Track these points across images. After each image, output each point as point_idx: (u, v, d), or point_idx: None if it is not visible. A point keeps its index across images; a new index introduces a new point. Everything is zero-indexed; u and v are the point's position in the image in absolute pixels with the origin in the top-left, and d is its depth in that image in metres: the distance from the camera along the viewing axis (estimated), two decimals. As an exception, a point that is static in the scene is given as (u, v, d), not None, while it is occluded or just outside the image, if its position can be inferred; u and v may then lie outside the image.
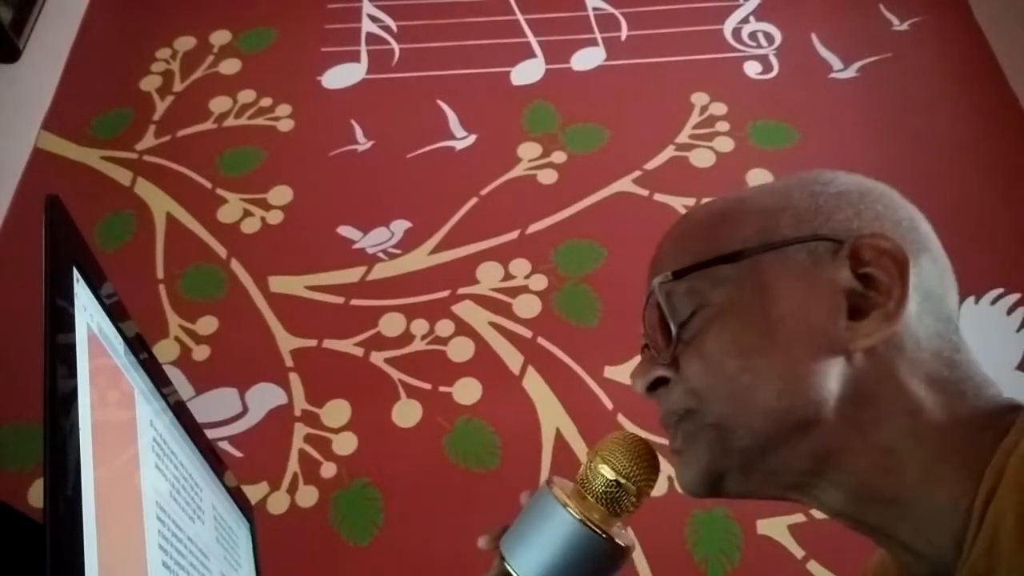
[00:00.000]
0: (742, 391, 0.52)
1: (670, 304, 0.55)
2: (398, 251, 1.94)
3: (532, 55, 2.30)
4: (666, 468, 0.63)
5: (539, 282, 1.88)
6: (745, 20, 2.36)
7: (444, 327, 1.82)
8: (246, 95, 2.23)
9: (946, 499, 0.48)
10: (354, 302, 1.87)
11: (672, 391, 0.56)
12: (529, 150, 2.11)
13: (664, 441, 0.59)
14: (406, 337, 1.81)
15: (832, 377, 0.50)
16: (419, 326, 1.82)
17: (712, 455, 0.54)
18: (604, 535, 0.58)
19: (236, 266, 1.92)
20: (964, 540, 0.47)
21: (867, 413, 0.50)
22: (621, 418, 1.69)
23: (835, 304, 0.51)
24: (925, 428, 0.49)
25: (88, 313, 0.71)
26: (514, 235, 1.96)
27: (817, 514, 1.57)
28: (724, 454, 0.54)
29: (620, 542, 0.58)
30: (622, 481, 0.59)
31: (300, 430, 1.70)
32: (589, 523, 0.58)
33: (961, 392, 0.51)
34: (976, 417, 0.50)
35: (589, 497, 0.59)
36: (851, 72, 2.23)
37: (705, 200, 0.60)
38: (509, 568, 0.60)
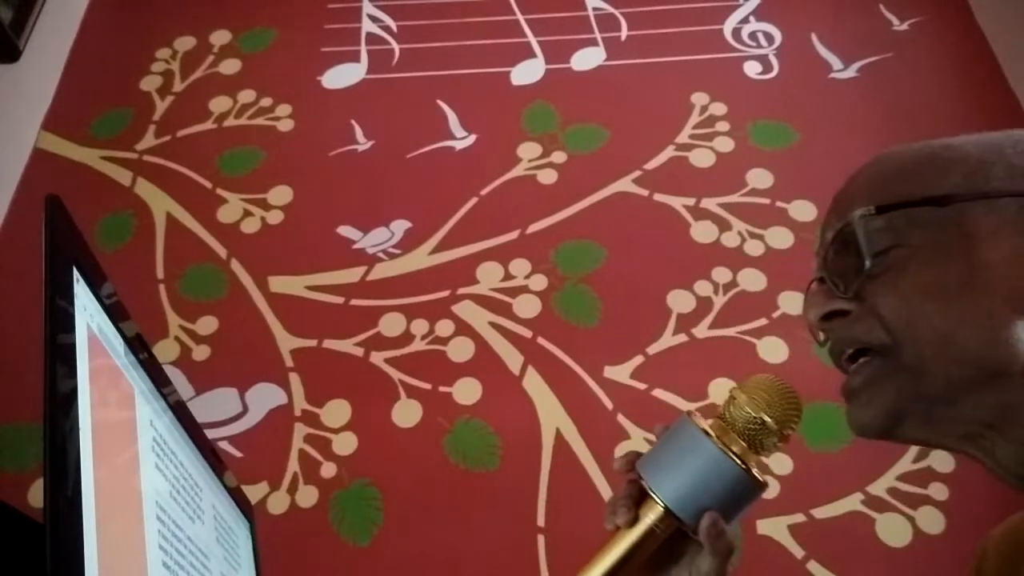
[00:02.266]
0: (943, 335, 0.52)
1: (868, 238, 0.55)
2: (398, 251, 1.94)
3: (532, 55, 2.30)
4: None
5: (539, 282, 1.88)
6: (745, 20, 2.36)
7: (444, 327, 1.82)
8: (246, 95, 2.23)
9: None
10: (354, 302, 1.87)
11: (857, 324, 0.56)
12: (529, 150, 2.11)
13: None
14: (406, 337, 1.81)
15: None
16: (419, 326, 1.82)
17: (899, 398, 0.54)
18: (744, 466, 0.59)
19: (236, 266, 1.92)
20: None
21: None
22: (621, 418, 1.69)
23: None
24: None
25: (88, 313, 0.71)
26: (514, 235, 1.96)
27: (817, 514, 1.58)
28: (911, 398, 0.54)
29: (758, 476, 0.60)
30: (766, 419, 0.60)
31: (300, 430, 1.70)
32: (730, 453, 0.59)
33: None
34: None
35: (731, 432, 0.61)
36: (851, 72, 2.23)
37: (898, 146, 0.60)
38: (648, 489, 0.61)
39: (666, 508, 0.60)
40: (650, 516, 0.61)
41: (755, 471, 0.60)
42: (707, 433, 0.60)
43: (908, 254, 0.53)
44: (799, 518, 1.57)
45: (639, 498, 0.61)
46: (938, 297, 0.52)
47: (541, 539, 1.56)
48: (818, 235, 0.61)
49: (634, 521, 0.61)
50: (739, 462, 0.59)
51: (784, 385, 0.61)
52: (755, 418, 0.60)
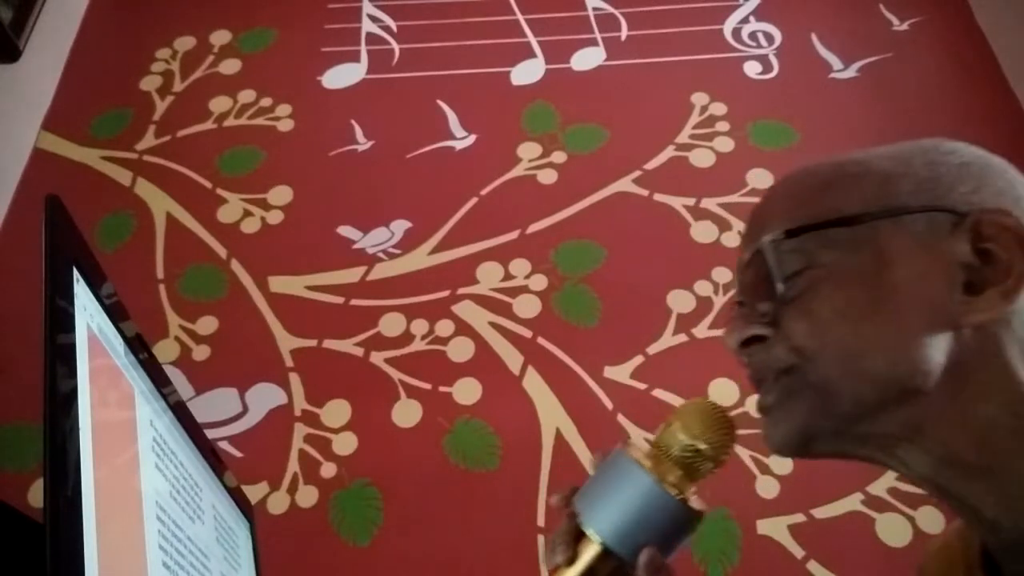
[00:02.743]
0: (852, 356, 0.51)
1: (778, 261, 0.54)
2: (398, 251, 1.94)
3: (532, 55, 2.30)
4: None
5: (539, 282, 1.88)
6: (745, 20, 2.36)
7: (444, 327, 1.82)
8: (246, 95, 2.23)
9: None
10: (354, 302, 1.87)
11: (771, 348, 0.55)
12: (529, 150, 2.11)
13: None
14: (406, 337, 1.81)
15: (939, 350, 0.50)
16: (419, 326, 1.82)
17: (810, 416, 0.54)
18: (680, 497, 0.58)
19: (236, 266, 1.92)
20: None
21: (968, 387, 0.50)
22: (621, 418, 1.69)
23: (951, 277, 0.51)
24: (1023, 407, 0.50)
25: (88, 313, 0.71)
26: (514, 235, 1.96)
27: (817, 514, 1.58)
28: (823, 416, 0.53)
29: (695, 506, 0.59)
30: (701, 447, 0.59)
31: (300, 430, 1.70)
32: (666, 485, 0.58)
33: None
34: None
35: (666, 460, 0.59)
36: (851, 72, 2.23)
37: (818, 161, 0.59)
38: (583, 526, 0.60)
39: (603, 545, 0.58)
40: (588, 554, 0.59)
41: (692, 501, 0.59)
42: (642, 464, 0.58)
43: (821, 275, 0.53)
44: (799, 518, 1.57)
45: (578, 535, 0.60)
46: (849, 319, 0.52)
47: (541, 539, 1.56)
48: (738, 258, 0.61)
49: (573, 560, 0.59)
50: (675, 493, 0.58)
51: (718, 409, 0.60)
52: (690, 445, 0.59)
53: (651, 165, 2.07)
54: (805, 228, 0.54)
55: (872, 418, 0.53)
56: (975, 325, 0.50)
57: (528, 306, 1.84)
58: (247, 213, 2.01)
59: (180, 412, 0.96)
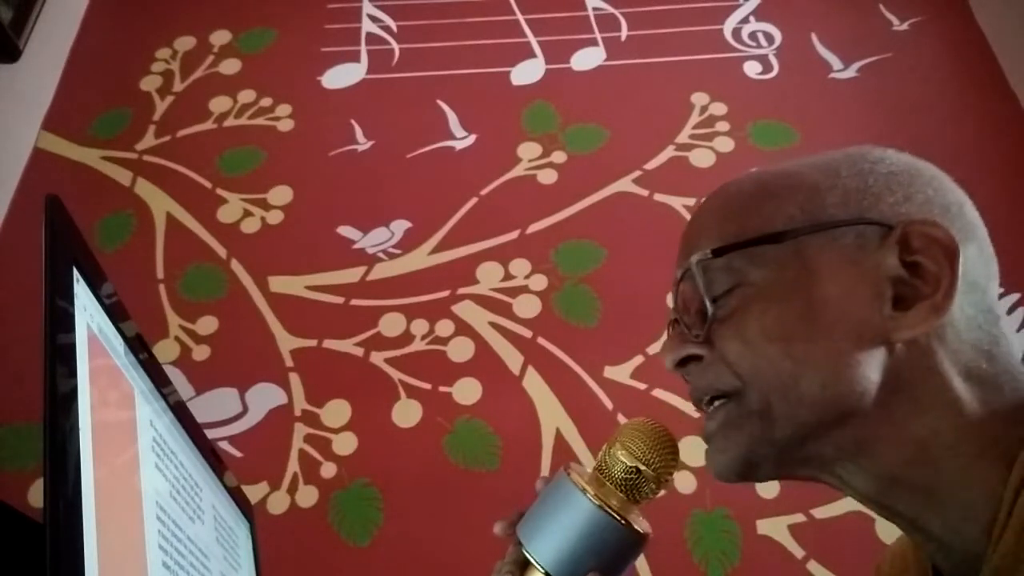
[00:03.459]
0: (786, 379, 0.50)
1: (707, 280, 0.53)
2: (398, 251, 1.94)
3: (532, 55, 2.30)
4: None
5: (539, 282, 1.88)
6: (745, 20, 2.36)
7: (444, 327, 1.82)
8: (246, 95, 2.23)
9: (979, 491, 0.48)
10: (354, 302, 1.87)
11: (708, 369, 0.54)
12: (529, 150, 2.11)
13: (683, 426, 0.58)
14: (406, 337, 1.81)
15: (873, 367, 0.49)
16: (419, 326, 1.82)
17: (751, 443, 0.53)
18: (623, 521, 0.57)
19: (236, 266, 1.92)
20: (993, 531, 0.46)
21: (905, 404, 0.49)
22: (621, 418, 1.69)
23: (880, 292, 0.50)
24: (962, 421, 0.49)
25: (88, 313, 0.71)
26: (514, 235, 1.96)
27: (817, 514, 1.58)
28: (763, 443, 0.52)
29: (639, 528, 0.58)
30: (641, 468, 0.58)
31: (300, 430, 1.70)
32: (608, 509, 0.57)
33: (998, 386, 0.50)
34: (1012, 411, 0.49)
35: (608, 483, 0.59)
36: (851, 72, 2.23)
37: (744, 173, 0.58)
38: (527, 554, 0.59)
39: (547, 574, 0.58)
40: None
41: (636, 523, 0.58)
42: (584, 488, 0.58)
43: (751, 293, 0.52)
44: (799, 518, 1.57)
45: (524, 562, 0.60)
46: (780, 339, 0.50)
47: (541, 539, 1.56)
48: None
49: None
50: (617, 517, 0.57)
51: (659, 429, 0.59)
52: (631, 467, 0.58)
53: (651, 165, 2.07)
54: (732, 247, 0.53)
55: (812, 441, 0.51)
56: (907, 340, 0.49)
57: (528, 306, 1.84)
58: (247, 213, 2.01)
59: (180, 412, 0.96)
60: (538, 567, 0.58)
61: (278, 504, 1.61)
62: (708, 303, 0.53)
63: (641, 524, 0.59)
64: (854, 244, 0.51)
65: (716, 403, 0.55)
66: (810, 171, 0.55)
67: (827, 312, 0.50)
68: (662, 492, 0.60)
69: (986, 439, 0.48)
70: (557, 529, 0.58)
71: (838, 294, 0.50)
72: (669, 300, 1.77)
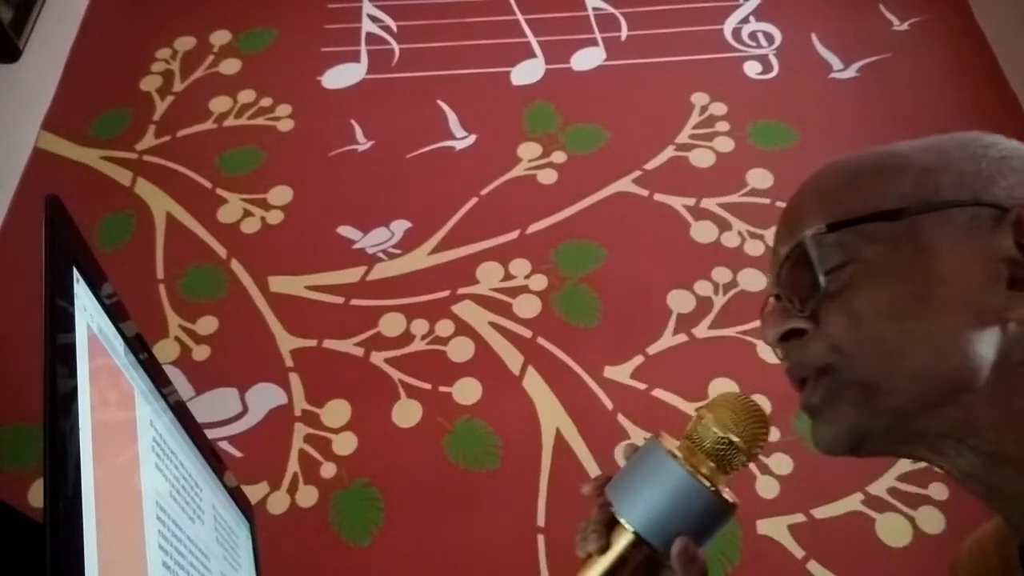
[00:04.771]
0: (892, 353, 0.51)
1: (820, 256, 0.54)
2: (398, 251, 1.94)
3: (532, 55, 2.30)
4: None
5: (539, 282, 1.88)
6: (745, 20, 2.36)
7: (444, 327, 1.82)
8: (246, 95, 2.23)
9: None
10: (354, 302, 1.87)
11: (809, 344, 0.55)
12: (529, 150, 2.11)
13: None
14: (406, 337, 1.81)
15: (986, 345, 0.50)
16: (419, 326, 1.82)
17: (858, 415, 0.53)
18: (713, 488, 0.58)
19: (236, 266, 1.92)
20: None
21: (1017, 383, 0.50)
22: (621, 418, 1.69)
23: (995, 272, 0.50)
24: None
25: (88, 313, 0.71)
26: (514, 235, 1.96)
27: (817, 514, 1.58)
28: (871, 414, 0.53)
29: (728, 498, 0.59)
30: (734, 439, 0.59)
31: (300, 430, 1.70)
32: (699, 476, 0.58)
33: None
34: None
35: (699, 452, 0.60)
36: (851, 72, 2.23)
37: (856, 153, 0.59)
38: (617, 515, 0.60)
39: (636, 534, 0.59)
40: (621, 543, 0.60)
41: (725, 493, 0.59)
42: (675, 455, 0.59)
43: (862, 270, 0.53)
44: (799, 518, 1.57)
45: (610, 523, 0.60)
46: (893, 315, 0.51)
47: (541, 539, 1.56)
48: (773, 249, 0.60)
49: (605, 548, 0.60)
50: (708, 484, 0.58)
51: (751, 403, 0.60)
52: (723, 438, 0.59)
53: (651, 165, 2.07)
54: (847, 222, 0.53)
55: (922, 416, 0.52)
56: (1021, 320, 0.50)
57: (528, 306, 1.84)
58: (247, 213, 2.01)
59: (180, 412, 0.96)
60: (627, 527, 0.60)
61: (278, 504, 1.61)
62: (821, 277, 0.53)
63: (730, 494, 0.60)
64: (968, 225, 0.51)
65: (818, 377, 0.55)
66: (921, 153, 0.56)
67: (942, 291, 0.51)
68: (751, 465, 0.61)
69: None
70: (648, 493, 0.59)
71: (954, 273, 0.51)
72: (686, 300, 1.79)
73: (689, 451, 0.60)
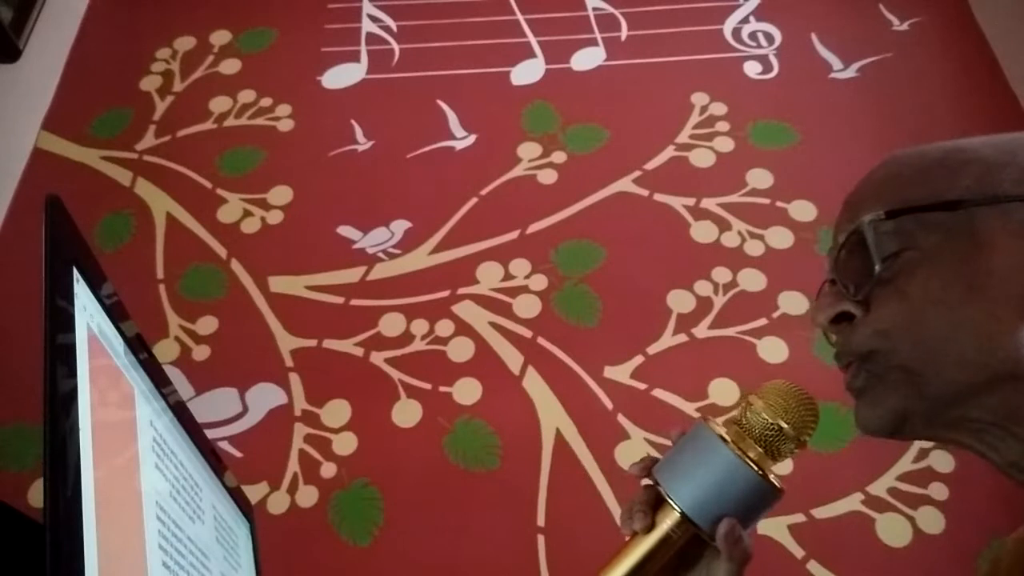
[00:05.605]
0: (938, 339, 0.52)
1: (877, 242, 0.55)
2: (398, 251, 1.94)
3: (532, 55, 2.30)
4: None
5: (539, 282, 1.88)
6: (745, 20, 2.36)
7: (444, 327, 1.82)
8: (246, 95, 2.24)
9: None
10: (354, 302, 1.87)
11: (857, 329, 0.56)
12: (529, 150, 2.11)
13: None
14: (406, 337, 1.81)
15: None
16: (419, 326, 1.82)
17: (901, 397, 0.55)
18: (760, 472, 0.59)
19: (236, 266, 1.92)
20: None
21: None
22: (621, 418, 1.69)
23: None
24: None
25: (88, 313, 0.71)
26: (514, 235, 1.96)
27: (817, 514, 1.58)
28: (914, 397, 0.54)
29: (775, 482, 0.60)
30: (783, 426, 0.60)
31: (300, 430, 1.70)
32: (747, 459, 0.59)
33: None
34: None
35: (748, 437, 0.61)
36: (851, 72, 2.23)
37: (914, 148, 0.60)
38: (665, 494, 0.61)
39: (683, 514, 0.60)
40: (667, 522, 0.61)
41: (772, 477, 0.60)
42: (724, 439, 0.60)
43: (918, 258, 0.54)
44: (799, 518, 1.57)
45: (656, 503, 0.62)
46: (943, 303, 0.52)
47: (541, 539, 1.56)
48: (831, 236, 0.62)
49: (651, 527, 0.61)
50: (756, 468, 0.59)
51: (801, 391, 0.61)
52: (772, 424, 0.60)
53: (651, 165, 2.07)
54: (906, 210, 0.55)
55: (966, 403, 0.53)
56: None
57: (528, 306, 1.84)
58: (247, 213, 2.01)
59: (180, 412, 0.96)
60: (675, 506, 0.60)
61: (278, 504, 1.61)
62: (877, 262, 0.55)
63: (776, 480, 0.61)
64: None
65: (863, 362, 0.57)
66: (985, 147, 0.57)
67: (993, 282, 0.51)
68: (798, 452, 0.62)
69: None
70: (696, 474, 0.60)
71: (1007, 266, 0.51)
72: (686, 301, 1.79)
73: (738, 436, 0.61)
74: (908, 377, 0.54)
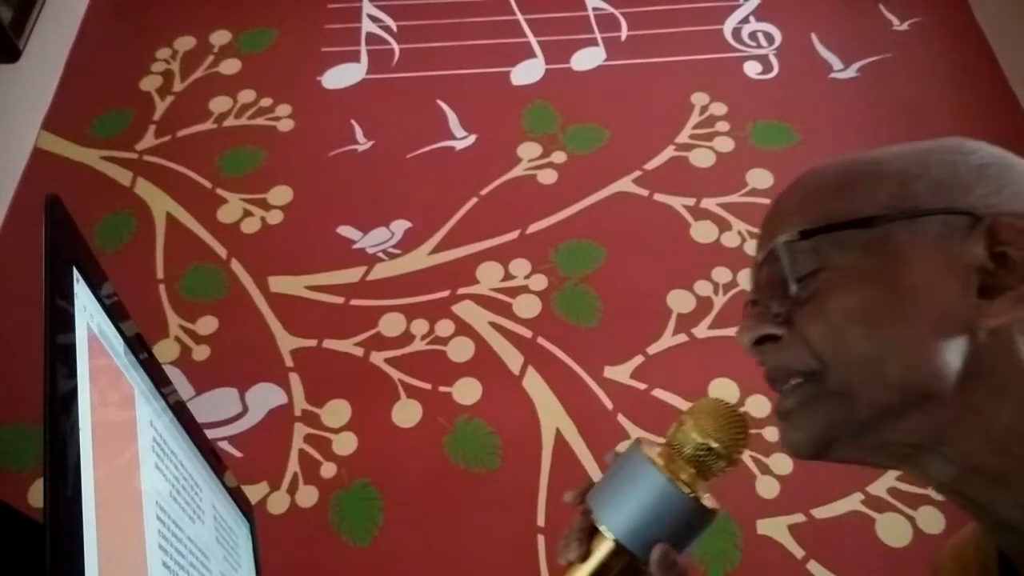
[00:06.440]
0: (869, 361, 0.51)
1: (792, 262, 0.54)
2: (398, 251, 1.94)
3: (532, 55, 2.30)
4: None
5: (539, 282, 1.88)
6: (745, 20, 2.36)
7: (444, 327, 1.82)
8: (246, 95, 2.23)
9: None
10: (354, 302, 1.87)
11: (786, 350, 0.55)
12: (529, 150, 2.11)
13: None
14: (406, 337, 1.81)
15: (955, 354, 0.50)
16: (419, 326, 1.82)
17: (826, 420, 0.54)
18: (693, 495, 0.58)
19: (236, 266, 1.92)
20: None
21: (985, 392, 0.50)
22: (621, 418, 1.69)
23: (966, 281, 0.50)
24: None
25: (88, 313, 0.71)
26: (514, 235, 1.96)
27: (817, 514, 1.58)
28: (839, 420, 0.53)
29: (708, 504, 0.59)
30: (713, 445, 0.59)
31: (300, 430, 1.70)
32: (679, 483, 0.58)
33: None
34: None
35: (679, 459, 0.60)
36: (851, 72, 2.23)
37: (838, 158, 0.59)
38: (597, 522, 0.60)
39: (616, 542, 0.59)
40: (601, 550, 0.60)
41: (705, 499, 0.59)
42: (655, 462, 0.59)
43: (836, 277, 0.53)
44: (799, 518, 1.57)
45: (591, 531, 0.60)
46: (864, 322, 0.51)
47: (541, 539, 1.56)
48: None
49: (586, 556, 0.60)
50: (688, 491, 0.58)
51: (731, 408, 0.60)
52: (702, 444, 0.59)
53: (651, 165, 2.07)
54: (820, 229, 0.54)
55: (892, 425, 0.52)
56: (991, 329, 0.49)
57: (528, 306, 1.84)
58: (247, 213, 2.01)
59: (180, 412, 0.96)
60: (607, 535, 0.60)
61: (278, 504, 1.61)
62: (792, 284, 0.54)
63: (710, 500, 0.60)
64: (941, 233, 0.51)
65: (792, 382, 0.56)
66: (899, 159, 0.56)
67: (913, 298, 0.51)
68: (730, 470, 0.61)
69: None
70: (628, 500, 0.59)
71: (925, 281, 0.51)
72: (687, 301, 1.79)
73: (669, 457, 0.60)
74: (833, 399, 0.53)
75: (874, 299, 0.51)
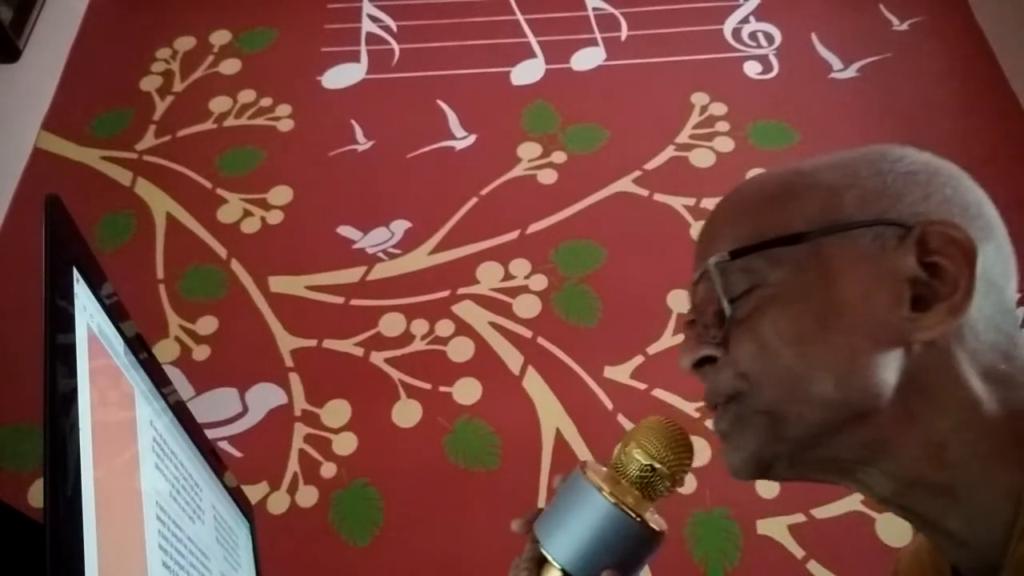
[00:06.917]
0: (797, 380, 0.50)
1: (724, 282, 0.53)
2: (398, 251, 1.94)
3: (532, 55, 2.30)
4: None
5: (539, 282, 1.88)
6: (745, 20, 2.36)
7: (444, 327, 1.82)
8: (246, 95, 2.23)
9: (998, 491, 0.48)
10: (354, 302, 1.87)
11: (720, 371, 0.54)
12: (529, 150, 2.11)
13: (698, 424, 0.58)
14: (406, 337, 1.81)
15: (890, 368, 0.49)
16: (419, 326, 1.82)
17: (762, 441, 0.53)
18: (638, 519, 0.58)
19: (236, 266, 1.92)
20: (1014, 531, 0.46)
21: (923, 405, 0.49)
22: (621, 418, 1.69)
23: (898, 293, 0.49)
24: (980, 421, 0.48)
25: (88, 313, 0.71)
26: (514, 235, 1.96)
27: (817, 514, 1.58)
28: (774, 441, 0.52)
29: (654, 526, 0.59)
30: (657, 466, 0.58)
31: (300, 430, 1.70)
32: (623, 506, 0.58)
33: (1017, 386, 0.50)
34: None
35: (623, 481, 0.59)
36: (851, 72, 2.23)
37: (758, 172, 0.58)
38: (544, 551, 0.60)
39: (563, 571, 0.59)
40: None
41: (651, 521, 0.59)
42: (599, 487, 0.58)
43: (769, 295, 0.51)
44: (799, 518, 1.57)
45: (541, 560, 0.60)
46: (795, 340, 0.50)
47: (541, 539, 1.56)
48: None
49: None
50: (633, 514, 0.58)
51: (675, 427, 0.60)
52: (646, 466, 0.59)
53: (651, 165, 2.07)
54: (750, 248, 0.53)
55: (827, 443, 0.51)
56: (925, 341, 0.49)
57: (528, 306, 1.84)
58: (247, 213, 2.01)
59: (180, 412, 0.96)
60: (554, 564, 0.59)
61: (278, 504, 1.61)
62: (725, 305, 0.53)
63: (656, 522, 0.59)
64: (872, 245, 0.50)
65: (728, 403, 0.55)
66: (828, 171, 0.54)
67: (844, 313, 0.50)
68: (677, 489, 0.60)
69: (1005, 439, 0.48)
70: (573, 527, 0.59)
71: (856, 295, 0.50)
72: (684, 301, 1.79)
73: (614, 481, 0.59)
74: (769, 420, 0.52)
75: (805, 316, 0.50)
